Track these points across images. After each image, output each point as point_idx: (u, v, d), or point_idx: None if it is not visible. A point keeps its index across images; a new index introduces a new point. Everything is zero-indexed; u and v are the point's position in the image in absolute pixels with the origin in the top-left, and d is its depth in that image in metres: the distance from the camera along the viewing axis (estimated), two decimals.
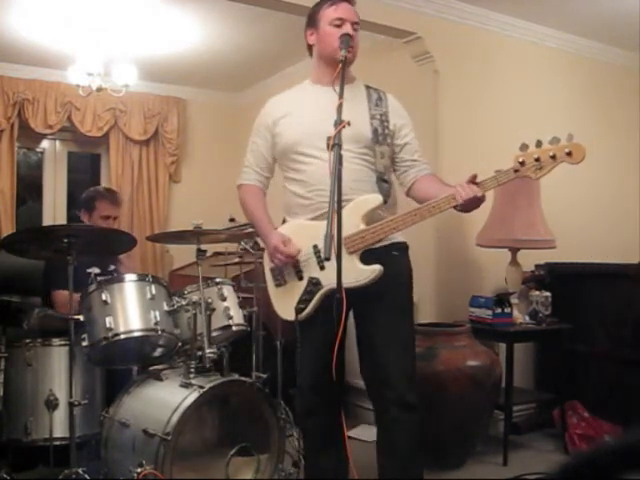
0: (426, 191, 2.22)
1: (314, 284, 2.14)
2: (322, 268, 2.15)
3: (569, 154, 1.97)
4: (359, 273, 2.09)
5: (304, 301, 2.13)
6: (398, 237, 2.29)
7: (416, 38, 3.63)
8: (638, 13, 3.67)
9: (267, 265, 2.35)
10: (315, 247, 2.17)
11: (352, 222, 2.09)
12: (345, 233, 1.97)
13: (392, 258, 2.20)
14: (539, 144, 2.02)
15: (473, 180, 2.06)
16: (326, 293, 2.11)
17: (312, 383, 2.23)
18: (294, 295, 2.18)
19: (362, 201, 2.15)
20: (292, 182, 2.31)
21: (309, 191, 2.23)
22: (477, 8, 3.79)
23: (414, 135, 2.35)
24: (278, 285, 2.29)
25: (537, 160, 2.01)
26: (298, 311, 2.11)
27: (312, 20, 2.28)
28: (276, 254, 2.22)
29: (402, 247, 2.32)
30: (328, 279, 2.06)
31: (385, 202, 2.17)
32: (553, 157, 1.99)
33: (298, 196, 2.28)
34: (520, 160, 2.03)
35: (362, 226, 2.12)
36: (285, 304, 2.25)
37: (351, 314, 2.26)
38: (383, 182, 2.23)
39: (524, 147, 2.04)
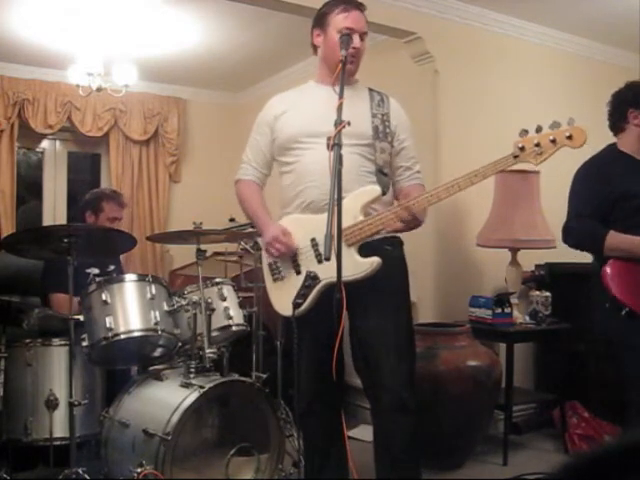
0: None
1: (312, 278, 2.11)
2: (320, 262, 2.12)
3: (569, 138, 1.93)
4: (357, 266, 2.07)
5: (302, 296, 2.08)
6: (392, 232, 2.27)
7: (416, 38, 3.63)
8: (638, 13, 3.67)
9: (265, 260, 2.33)
10: (313, 240, 2.15)
11: (351, 214, 2.07)
12: (343, 225, 1.96)
13: (385, 253, 2.15)
14: (539, 129, 1.97)
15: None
16: (324, 287, 2.08)
17: (310, 382, 2.22)
18: (292, 290, 2.14)
19: (361, 193, 2.14)
20: (286, 175, 2.32)
21: (301, 183, 2.23)
22: (477, 8, 3.79)
23: (412, 141, 2.36)
24: (276, 280, 2.26)
25: (537, 145, 1.96)
26: (295, 306, 2.05)
27: (321, 21, 2.25)
28: (275, 244, 2.18)
29: (395, 242, 2.30)
30: (326, 273, 2.04)
31: (384, 193, 2.17)
32: (553, 141, 1.94)
33: (291, 188, 2.28)
34: (520, 146, 1.98)
35: (360, 217, 2.11)
36: (283, 299, 2.21)
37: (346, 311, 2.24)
38: (382, 175, 2.23)
39: (523, 133, 1.99)
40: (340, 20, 2.18)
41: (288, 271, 2.22)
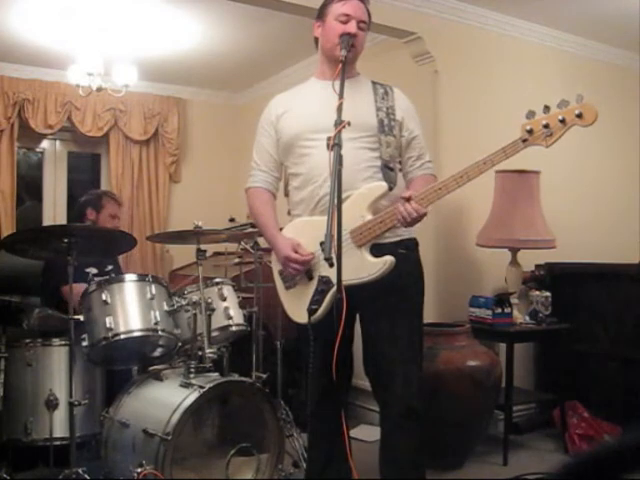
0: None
1: (325, 283, 2.06)
2: (331, 265, 2.06)
3: (580, 116, 1.87)
4: (370, 266, 2.03)
5: (316, 302, 2.04)
6: (407, 233, 2.23)
7: (416, 38, 3.63)
8: (638, 13, 3.67)
9: (275, 268, 2.29)
10: (322, 244, 2.08)
11: (358, 213, 2.04)
12: (351, 226, 1.91)
13: (399, 256, 2.08)
14: (547, 109, 1.90)
15: (408, 198, 2.00)
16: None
17: (319, 383, 2.21)
18: (306, 296, 2.10)
19: (367, 190, 2.09)
20: (293, 177, 2.29)
21: (308, 183, 2.21)
22: (477, 8, 3.79)
23: (421, 130, 2.32)
24: (288, 288, 2.22)
25: (546, 126, 1.88)
26: (311, 312, 2.01)
27: (321, 13, 2.26)
28: (289, 265, 2.15)
29: (411, 244, 2.26)
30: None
31: (390, 189, 2.11)
32: (563, 121, 1.87)
33: (299, 190, 2.25)
34: (528, 128, 1.91)
35: (368, 217, 2.06)
36: (298, 307, 2.16)
37: (358, 315, 2.21)
38: (389, 170, 2.19)
39: (531, 114, 1.91)
40: (338, 7, 2.19)
41: (300, 278, 2.17)
